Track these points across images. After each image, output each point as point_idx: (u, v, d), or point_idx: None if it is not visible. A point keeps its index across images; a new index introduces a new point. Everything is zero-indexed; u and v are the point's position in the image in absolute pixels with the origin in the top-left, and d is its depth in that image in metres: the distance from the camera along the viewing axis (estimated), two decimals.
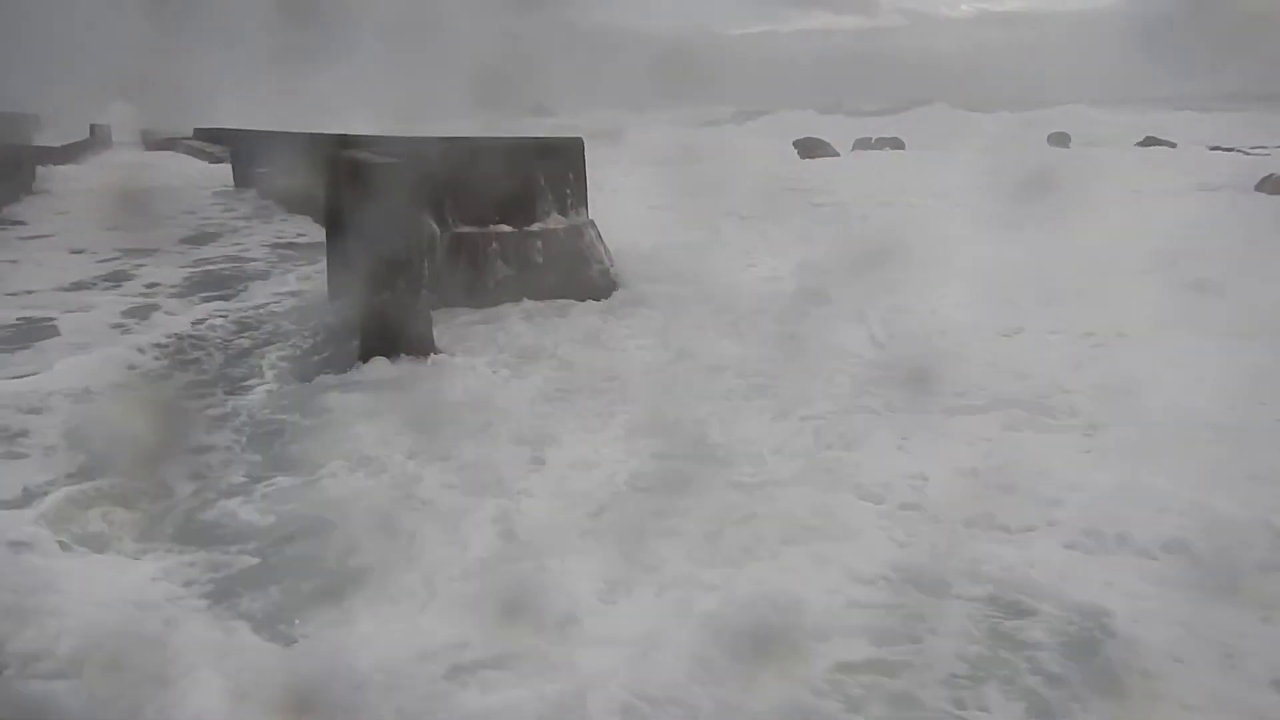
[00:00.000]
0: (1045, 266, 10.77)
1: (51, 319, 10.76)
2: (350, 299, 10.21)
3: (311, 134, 33.51)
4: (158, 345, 9.54)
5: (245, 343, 10.01)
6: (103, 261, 14.65)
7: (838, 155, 36.09)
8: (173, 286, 12.65)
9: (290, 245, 16.34)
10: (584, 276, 12.28)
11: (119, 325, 10.70)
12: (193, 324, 10.55)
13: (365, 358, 8.92)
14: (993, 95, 63.47)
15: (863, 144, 41.35)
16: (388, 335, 9.02)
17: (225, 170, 33.83)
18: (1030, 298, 10.33)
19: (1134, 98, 59.86)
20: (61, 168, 41.04)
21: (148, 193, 24.77)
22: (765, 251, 14.33)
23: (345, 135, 26.66)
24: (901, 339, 9.48)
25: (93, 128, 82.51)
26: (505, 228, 12.00)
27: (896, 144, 40.50)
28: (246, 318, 11.01)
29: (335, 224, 11.14)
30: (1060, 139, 39.52)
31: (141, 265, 14.27)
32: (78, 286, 12.71)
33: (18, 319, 10.67)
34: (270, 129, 41.57)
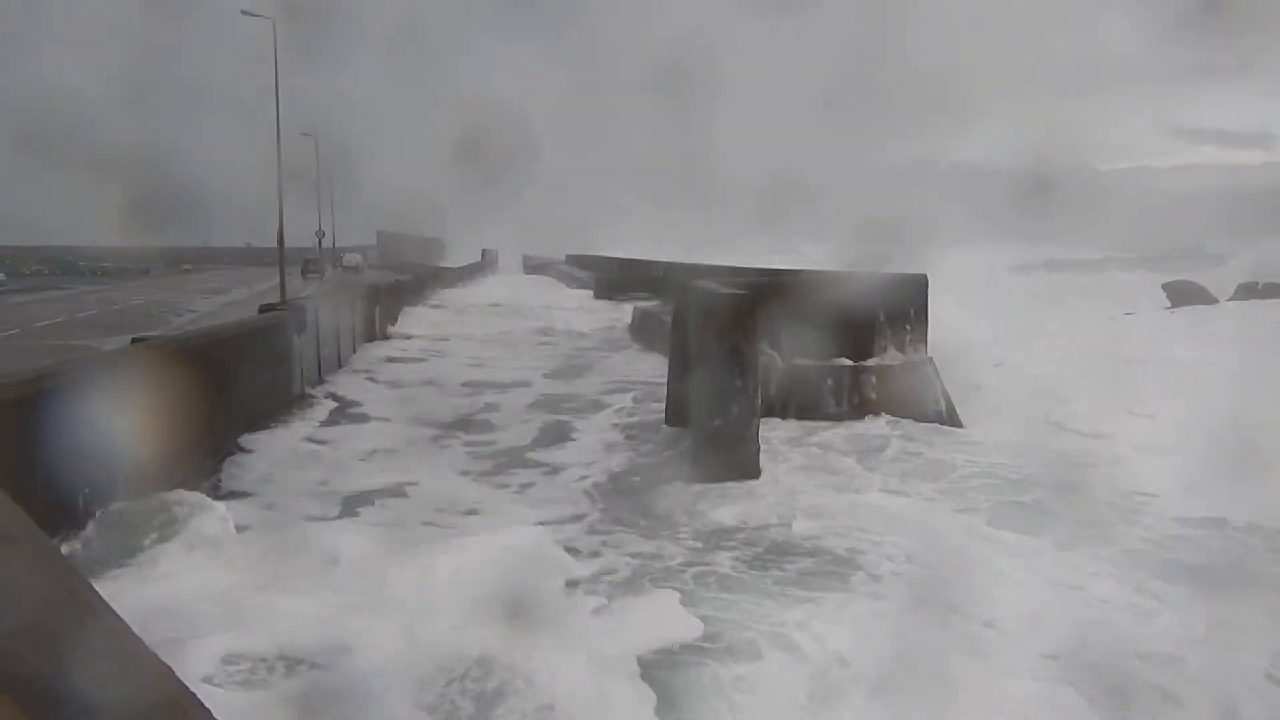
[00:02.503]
0: None
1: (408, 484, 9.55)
2: (685, 422, 10.51)
3: (667, 262, 35.70)
4: None
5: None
6: (467, 397, 14.98)
7: (1214, 302, 32.62)
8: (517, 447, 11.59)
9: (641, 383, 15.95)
10: (919, 415, 11.86)
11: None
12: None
13: (695, 482, 9.05)
14: None
15: (1247, 290, 37.11)
16: (718, 462, 9.13)
17: (590, 295, 36.27)
18: None
19: None
20: (455, 290, 46.32)
21: (520, 325, 26.42)
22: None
23: (696, 264, 28.14)
24: None
25: (484, 252, 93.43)
26: (842, 361, 11.92)
27: None
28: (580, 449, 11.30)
29: (679, 350, 11.60)
30: None
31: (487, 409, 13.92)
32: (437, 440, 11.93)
33: (392, 482, 9.61)
34: (629, 257, 44.67)
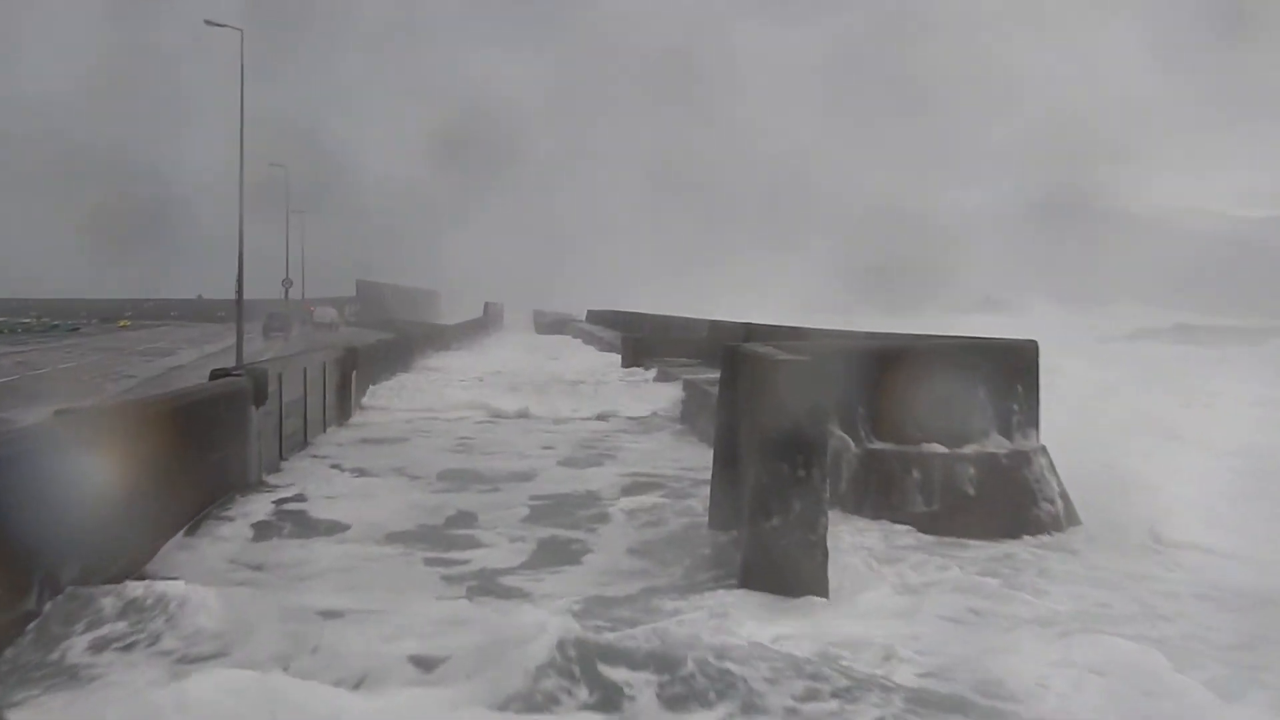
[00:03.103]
0: None
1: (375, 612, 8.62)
2: (734, 525, 10.15)
3: (711, 320, 35.35)
4: None
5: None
6: (452, 493, 14.49)
7: None
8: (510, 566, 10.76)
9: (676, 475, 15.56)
10: (1028, 516, 11.47)
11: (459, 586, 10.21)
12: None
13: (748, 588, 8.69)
14: None
15: None
16: (775, 574, 8.75)
17: (617, 363, 35.91)
18: None
19: None
20: (450, 353, 46.30)
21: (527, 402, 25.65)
22: None
23: (751, 324, 27.72)
24: None
25: (487, 305, 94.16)
26: (932, 448, 11.58)
27: None
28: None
29: (726, 430, 11.29)
30: None
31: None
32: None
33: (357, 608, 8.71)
34: (663, 314, 44.62)
